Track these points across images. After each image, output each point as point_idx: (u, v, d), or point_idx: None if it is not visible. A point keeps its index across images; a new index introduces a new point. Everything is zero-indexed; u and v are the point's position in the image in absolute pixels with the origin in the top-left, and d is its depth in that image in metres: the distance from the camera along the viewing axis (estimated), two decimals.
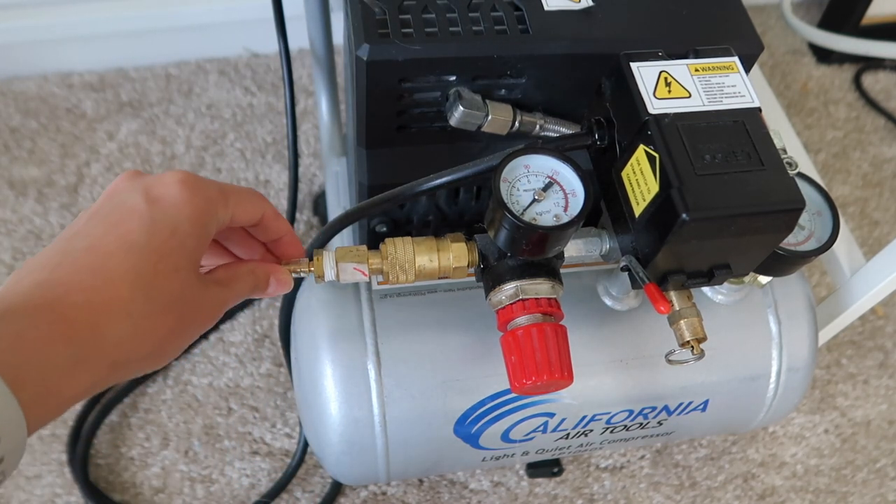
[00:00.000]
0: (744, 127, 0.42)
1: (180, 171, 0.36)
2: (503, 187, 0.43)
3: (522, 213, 0.42)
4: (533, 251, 0.44)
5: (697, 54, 0.45)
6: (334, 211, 0.74)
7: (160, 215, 0.34)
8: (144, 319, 0.32)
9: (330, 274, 0.46)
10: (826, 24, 1.18)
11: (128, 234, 0.33)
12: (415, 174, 0.46)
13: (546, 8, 0.47)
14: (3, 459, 0.26)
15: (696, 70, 0.44)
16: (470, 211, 0.58)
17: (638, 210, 0.43)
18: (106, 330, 0.31)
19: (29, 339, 0.29)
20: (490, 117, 0.47)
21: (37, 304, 0.30)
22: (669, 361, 0.50)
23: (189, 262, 0.35)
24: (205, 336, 0.85)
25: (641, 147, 0.42)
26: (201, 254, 0.36)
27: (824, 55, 1.18)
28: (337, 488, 0.77)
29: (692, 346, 0.47)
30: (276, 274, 0.42)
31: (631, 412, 0.61)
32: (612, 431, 0.63)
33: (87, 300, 0.31)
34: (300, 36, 0.77)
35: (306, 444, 0.76)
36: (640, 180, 0.43)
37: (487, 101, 0.48)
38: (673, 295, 0.47)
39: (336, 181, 0.76)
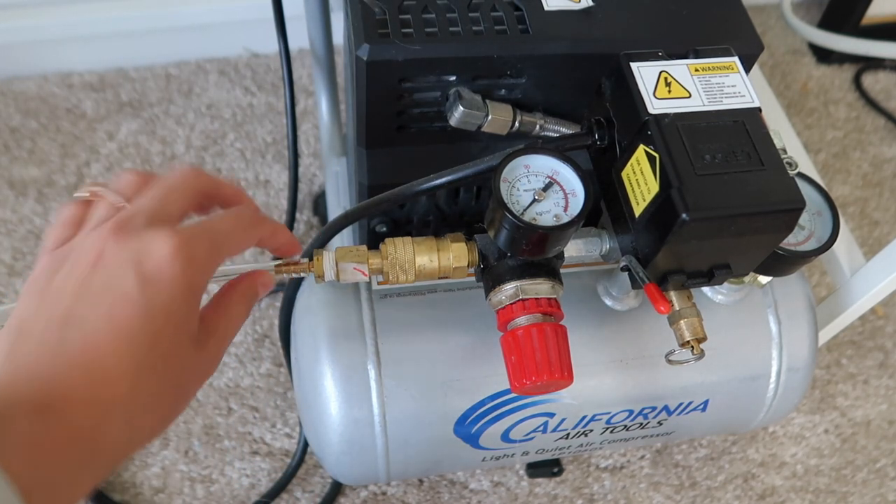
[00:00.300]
0: (744, 127, 0.42)
1: (173, 230, 0.34)
2: (503, 187, 0.43)
3: (522, 213, 0.42)
4: (533, 251, 0.44)
5: (697, 54, 0.45)
6: (334, 211, 0.74)
7: (154, 299, 0.32)
8: (145, 412, 0.32)
9: (330, 274, 0.46)
10: (826, 24, 1.18)
11: (124, 323, 0.31)
12: (415, 174, 0.46)
13: (546, 8, 0.47)
14: None
15: (696, 70, 0.44)
16: (470, 211, 0.58)
17: (638, 210, 0.43)
18: (107, 432, 0.31)
19: (38, 446, 0.28)
20: (490, 117, 0.47)
21: (39, 405, 0.29)
22: (669, 361, 0.50)
23: (186, 336, 0.34)
24: None
25: (641, 147, 0.42)
26: (195, 321, 0.35)
27: (824, 55, 1.18)
28: (337, 488, 0.77)
29: (692, 346, 0.47)
30: (259, 279, 0.41)
31: (631, 412, 0.61)
32: (612, 431, 0.63)
33: (89, 401, 0.30)
34: (300, 36, 0.77)
35: (306, 444, 0.76)
36: (640, 180, 0.43)
37: (487, 101, 0.48)
38: (673, 295, 0.47)
39: (336, 181, 0.76)
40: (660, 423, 0.63)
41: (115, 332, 0.31)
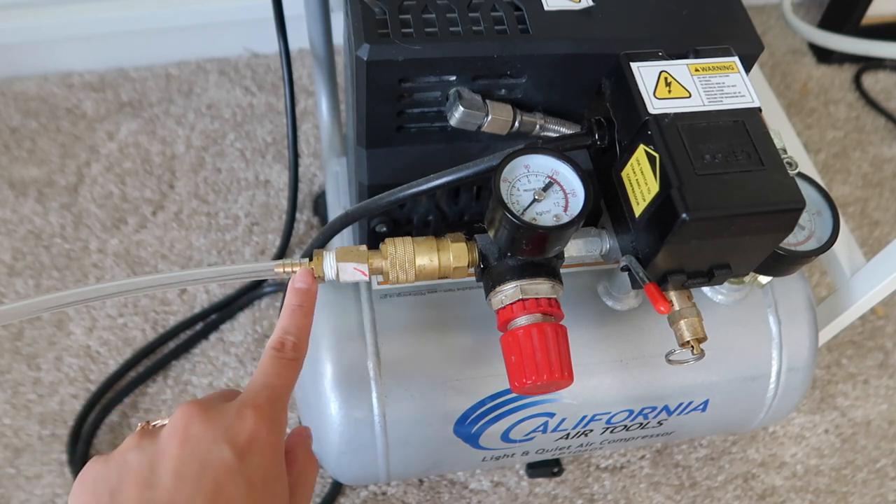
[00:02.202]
0: (744, 127, 0.42)
1: (247, 402, 0.34)
2: (503, 187, 0.43)
3: (522, 213, 0.42)
4: (533, 251, 0.44)
5: (697, 54, 0.45)
6: (334, 211, 0.74)
7: (254, 472, 0.32)
8: None
9: (330, 274, 0.46)
10: (826, 24, 1.18)
11: (230, 500, 0.31)
12: (415, 174, 0.46)
13: (546, 8, 0.47)
14: None
15: (697, 70, 0.44)
16: (470, 211, 0.58)
17: (638, 210, 0.43)
18: None
19: None
20: (490, 117, 0.47)
21: None
22: (669, 361, 0.50)
23: (282, 496, 0.34)
24: (205, 336, 0.85)
25: (641, 147, 0.42)
26: (286, 476, 0.35)
27: (824, 55, 1.18)
28: (337, 488, 0.77)
29: (692, 346, 0.47)
30: (306, 432, 0.42)
31: (631, 412, 0.61)
32: (612, 431, 0.63)
33: None
34: (300, 36, 0.77)
35: None
36: (640, 180, 0.43)
37: (487, 101, 0.48)
38: (673, 295, 0.47)
39: (336, 181, 0.76)
40: (660, 423, 0.63)
41: None
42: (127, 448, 0.33)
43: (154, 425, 0.36)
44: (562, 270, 0.48)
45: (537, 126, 0.49)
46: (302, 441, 0.41)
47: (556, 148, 0.45)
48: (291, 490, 0.36)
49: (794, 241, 0.52)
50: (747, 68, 0.47)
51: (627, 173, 0.44)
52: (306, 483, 0.38)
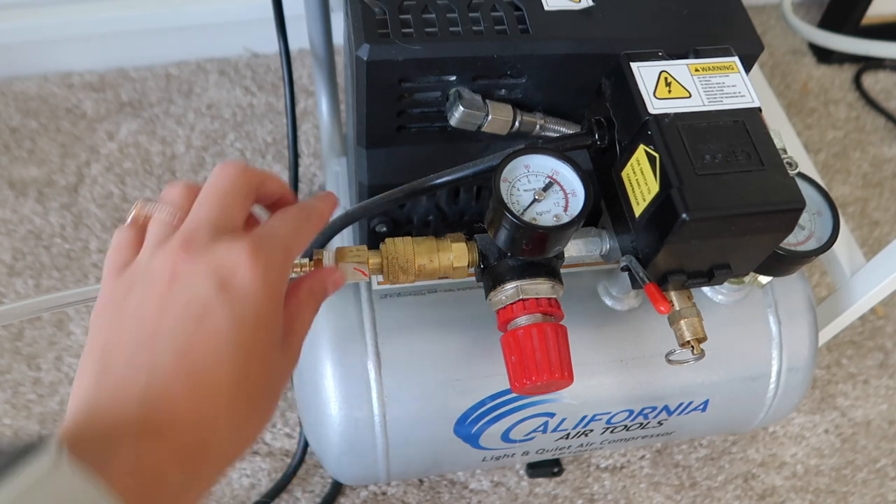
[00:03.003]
0: (744, 127, 0.42)
1: (244, 239, 0.33)
2: (503, 187, 0.43)
3: (522, 213, 0.42)
4: (533, 251, 0.44)
5: (697, 54, 0.45)
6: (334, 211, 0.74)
7: (240, 307, 0.32)
8: (245, 419, 0.32)
9: None
10: (826, 24, 1.18)
11: (215, 336, 0.31)
12: (415, 174, 0.46)
13: (546, 8, 0.47)
14: None
15: (697, 70, 0.44)
16: (470, 211, 0.58)
17: (638, 210, 0.43)
18: (213, 444, 0.30)
19: (148, 466, 0.28)
20: (490, 117, 0.47)
21: (143, 424, 0.29)
22: (669, 361, 0.50)
23: (273, 341, 0.34)
24: None
25: (641, 147, 0.42)
26: (280, 324, 0.35)
27: (824, 55, 1.18)
28: (337, 488, 0.77)
29: (692, 346, 0.47)
30: (329, 277, 0.41)
31: (631, 412, 0.61)
32: (612, 431, 0.63)
33: (194, 418, 0.30)
34: (300, 36, 0.77)
35: (306, 444, 0.76)
36: (641, 180, 0.43)
37: (487, 101, 0.48)
38: (673, 295, 0.47)
39: (336, 181, 0.75)
40: (660, 423, 0.63)
41: (208, 344, 0.31)
42: (122, 267, 0.34)
43: (146, 214, 0.36)
44: (562, 270, 0.48)
45: (537, 126, 0.49)
46: (312, 284, 0.40)
47: (557, 148, 0.45)
48: (287, 332, 0.36)
49: (794, 241, 0.52)
50: (747, 68, 0.47)
51: (627, 173, 0.44)
52: (302, 330, 0.37)
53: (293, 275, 0.45)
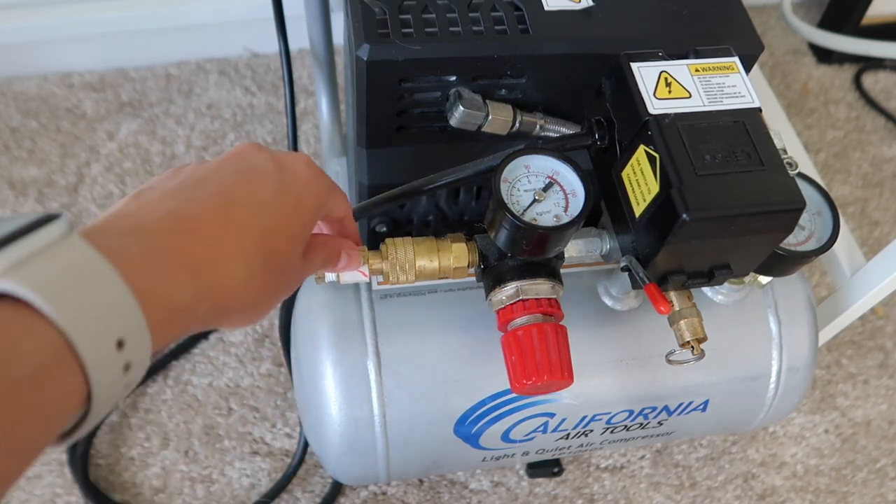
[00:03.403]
0: (744, 127, 0.42)
1: (302, 154, 0.37)
2: (503, 187, 0.43)
3: (523, 214, 0.42)
4: (533, 251, 0.44)
5: (698, 54, 0.45)
6: None
7: (289, 184, 0.35)
8: (259, 273, 0.33)
9: (330, 275, 0.46)
10: (826, 24, 1.18)
11: (258, 191, 0.33)
12: (415, 174, 0.46)
13: (546, 8, 0.47)
14: (131, 366, 0.26)
15: (697, 70, 0.44)
16: (470, 211, 0.58)
17: (638, 210, 0.43)
18: (226, 274, 0.31)
19: (159, 265, 0.28)
20: (490, 117, 0.47)
21: (168, 230, 0.30)
22: (669, 361, 0.50)
23: (303, 232, 0.36)
24: (205, 336, 0.85)
25: (642, 147, 0.42)
26: (311, 229, 0.37)
27: (824, 55, 1.18)
28: (337, 488, 0.77)
29: (692, 347, 0.47)
30: (346, 249, 0.43)
31: (631, 412, 0.61)
32: (612, 431, 0.63)
33: (215, 241, 0.31)
34: (300, 36, 0.77)
35: (306, 444, 0.76)
36: (641, 180, 0.43)
37: (487, 101, 0.48)
38: (673, 295, 0.47)
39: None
40: (660, 424, 0.63)
41: (249, 196, 0.33)
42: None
43: None
44: (562, 270, 0.48)
45: (537, 126, 0.49)
46: (327, 239, 0.42)
47: (557, 148, 0.45)
48: (309, 249, 0.38)
49: (794, 241, 0.52)
50: (747, 68, 0.47)
51: (627, 173, 0.44)
52: (310, 264, 0.39)
53: None
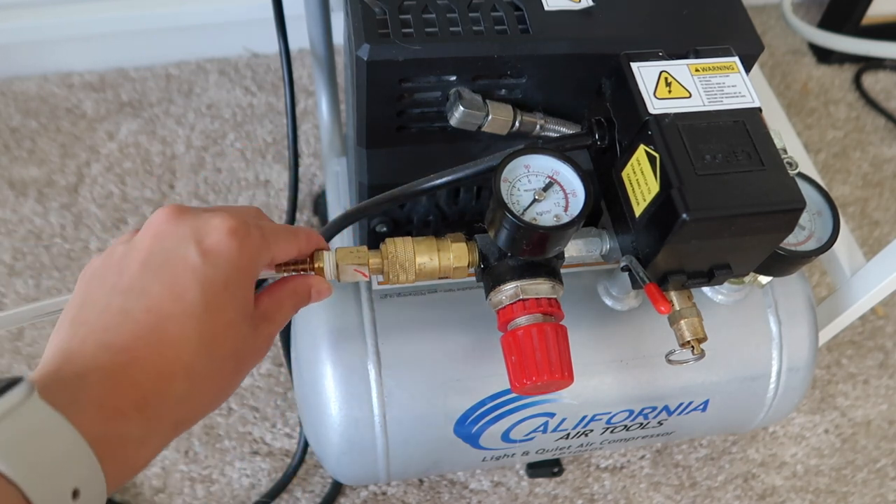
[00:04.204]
0: (744, 127, 0.42)
1: (226, 216, 0.36)
2: (503, 187, 0.43)
3: (523, 213, 0.42)
4: (533, 251, 0.44)
5: (698, 54, 0.45)
6: (334, 211, 0.74)
7: (212, 270, 0.34)
8: (205, 379, 0.34)
9: (330, 274, 0.46)
10: (826, 24, 1.18)
11: (184, 293, 0.33)
12: (415, 174, 0.46)
13: (546, 8, 0.47)
14: None
15: (697, 70, 0.44)
16: (470, 211, 0.58)
17: (638, 210, 0.43)
18: (170, 393, 0.32)
19: (109, 409, 0.30)
20: (490, 117, 0.47)
21: (108, 369, 0.31)
22: (670, 361, 0.50)
23: (242, 312, 0.35)
24: None
25: (642, 147, 0.42)
26: (251, 300, 0.36)
27: (824, 55, 1.18)
28: (337, 488, 0.77)
29: (692, 346, 0.47)
30: (315, 285, 0.42)
31: (631, 412, 0.61)
32: (612, 431, 0.63)
33: (154, 366, 0.32)
34: (300, 36, 0.77)
35: (306, 444, 0.76)
36: (641, 180, 0.43)
37: (488, 101, 0.48)
38: (673, 295, 0.47)
39: (336, 181, 0.75)
40: (660, 423, 0.63)
41: (178, 300, 0.33)
42: (117, 241, 0.37)
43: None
44: (562, 270, 0.48)
45: (537, 126, 0.49)
46: (296, 285, 0.41)
47: (557, 148, 0.45)
48: (261, 317, 0.38)
49: (794, 241, 0.52)
50: (747, 68, 0.47)
51: (627, 173, 0.44)
52: (276, 321, 0.39)
53: (285, 274, 0.45)
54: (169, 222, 0.35)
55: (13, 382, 0.27)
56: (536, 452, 0.64)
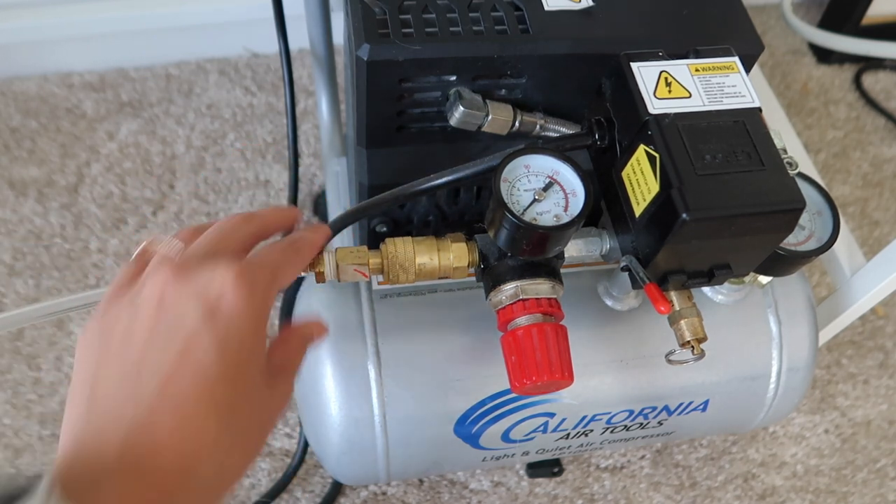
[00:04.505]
0: (744, 127, 0.42)
1: (233, 263, 0.34)
2: (503, 187, 0.43)
3: (523, 213, 0.42)
4: (533, 251, 0.44)
5: (698, 54, 0.45)
6: (334, 211, 0.74)
7: (224, 333, 0.32)
8: (229, 456, 0.32)
9: (330, 274, 0.46)
10: (826, 24, 1.18)
11: (198, 365, 0.31)
12: (415, 174, 0.46)
13: (546, 8, 0.47)
14: None
15: (697, 70, 0.44)
16: (470, 211, 0.58)
17: (638, 210, 0.43)
18: (198, 477, 0.30)
19: None
20: (490, 117, 0.47)
21: (130, 466, 0.29)
22: (670, 361, 0.50)
23: (259, 372, 0.34)
24: None
25: (642, 147, 0.42)
26: (265, 350, 0.35)
27: (824, 55, 1.18)
28: (337, 488, 0.77)
29: (692, 346, 0.47)
30: (317, 328, 0.41)
31: (631, 412, 0.61)
32: (612, 431, 0.63)
33: (177, 452, 0.30)
34: (300, 36, 0.77)
35: (306, 444, 0.76)
36: (641, 180, 0.43)
37: (488, 101, 0.48)
38: (673, 295, 0.47)
39: (336, 181, 0.75)
40: (660, 423, 0.63)
41: (192, 374, 0.31)
42: (112, 294, 0.35)
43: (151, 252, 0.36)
44: (562, 270, 0.48)
45: (537, 126, 0.49)
46: (304, 330, 0.40)
47: (557, 148, 0.45)
48: (277, 369, 0.36)
49: (794, 241, 0.52)
50: (747, 68, 0.47)
51: (627, 173, 0.44)
52: (292, 370, 0.38)
53: (303, 275, 0.45)
54: (172, 283, 0.33)
55: (32, 482, 0.26)
56: (536, 452, 0.64)
